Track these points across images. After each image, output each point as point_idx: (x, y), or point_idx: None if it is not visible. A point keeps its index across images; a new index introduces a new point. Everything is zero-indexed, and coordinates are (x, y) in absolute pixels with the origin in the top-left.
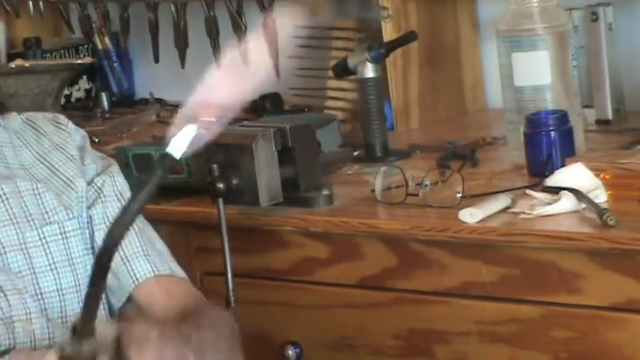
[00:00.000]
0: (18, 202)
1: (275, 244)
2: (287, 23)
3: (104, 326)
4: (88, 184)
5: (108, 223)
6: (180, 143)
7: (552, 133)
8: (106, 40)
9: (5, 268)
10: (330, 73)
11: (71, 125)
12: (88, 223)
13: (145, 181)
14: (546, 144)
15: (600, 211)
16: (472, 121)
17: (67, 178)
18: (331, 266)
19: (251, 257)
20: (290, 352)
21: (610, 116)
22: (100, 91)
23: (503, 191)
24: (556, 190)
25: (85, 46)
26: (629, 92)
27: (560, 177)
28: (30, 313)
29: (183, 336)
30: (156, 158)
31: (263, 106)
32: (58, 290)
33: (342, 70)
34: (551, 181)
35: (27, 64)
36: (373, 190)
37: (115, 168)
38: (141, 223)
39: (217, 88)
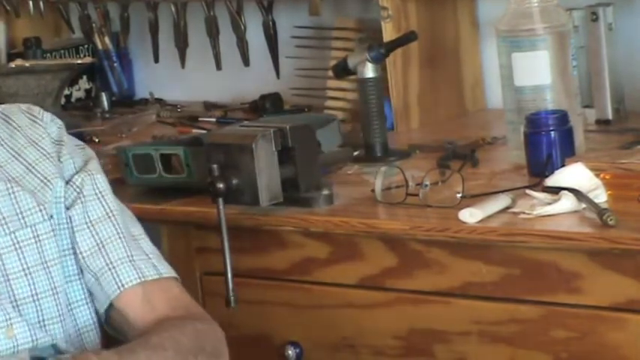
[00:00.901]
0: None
1: (275, 244)
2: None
3: None
4: (67, 182)
5: (89, 224)
6: None
7: (552, 133)
8: (106, 40)
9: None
10: (330, 73)
11: (47, 116)
12: (67, 223)
13: None
14: (546, 144)
15: (600, 211)
16: (472, 121)
17: (44, 177)
18: (331, 266)
19: (251, 257)
20: (290, 352)
21: (610, 116)
22: (100, 91)
23: (503, 191)
24: (556, 190)
25: (85, 46)
26: (629, 92)
27: (560, 177)
28: (10, 319)
29: None
30: None
31: (263, 105)
32: (33, 295)
33: (342, 70)
34: (551, 181)
35: (27, 64)
36: (373, 190)
37: (94, 164)
38: (122, 217)
39: None
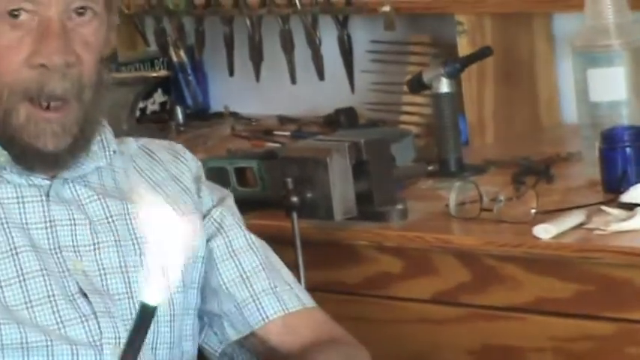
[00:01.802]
0: (124, 224)
1: (349, 259)
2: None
3: None
4: (204, 216)
5: (233, 255)
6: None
7: (628, 149)
8: (181, 53)
9: (103, 291)
10: (405, 88)
11: (188, 155)
12: (202, 257)
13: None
14: (621, 160)
15: None
16: (547, 136)
17: (182, 211)
18: (405, 281)
19: (325, 271)
20: None
21: None
22: (175, 104)
23: (577, 207)
24: (631, 207)
25: (160, 59)
26: None
27: (636, 193)
28: (119, 338)
29: None
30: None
31: (337, 120)
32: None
33: (417, 85)
34: (627, 197)
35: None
36: (447, 205)
37: (230, 201)
38: (263, 249)
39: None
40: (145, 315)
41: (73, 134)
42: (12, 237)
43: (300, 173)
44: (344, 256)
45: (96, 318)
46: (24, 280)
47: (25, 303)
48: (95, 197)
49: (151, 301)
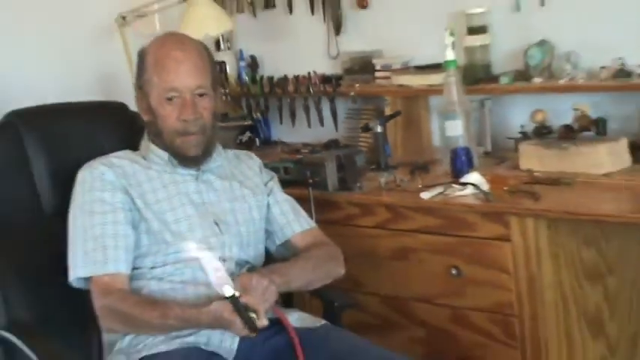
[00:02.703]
0: (230, 190)
1: (335, 208)
2: None
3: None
4: (265, 184)
5: (278, 203)
6: (235, 289)
7: (463, 157)
8: (258, 114)
9: (224, 221)
10: (361, 130)
11: (255, 157)
12: (266, 207)
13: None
14: (459, 162)
15: (485, 193)
16: (426, 152)
17: (254, 183)
18: (360, 218)
19: (324, 214)
20: None
21: (490, 149)
22: (255, 137)
23: (440, 184)
24: (465, 184)
25: (248, 116)
26: (494, 137)
27: (467, 178)
28: (231, 244)
29: (270, 279)
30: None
31: (330, 145)
32: (247, 233)
33: (366, 128)
34: (462, 180)
35: (222, 124)
36: (380, 183)
37: (275, 178)
38: (291, 201)
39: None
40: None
41: (201, 149)
42: (181, 198)
43: (312, 169)
44: (332, 207)
45: (222, 233)
46: (188, 217)
47: (189, 230)
48: (217, 178)
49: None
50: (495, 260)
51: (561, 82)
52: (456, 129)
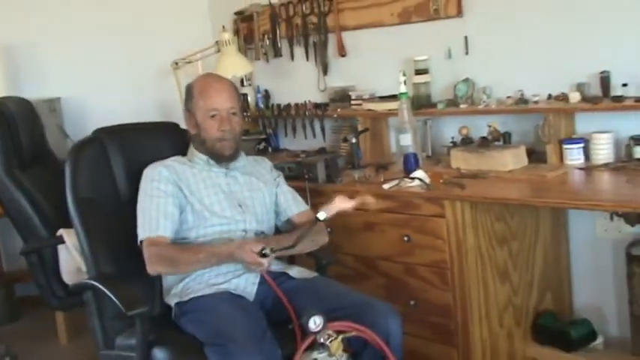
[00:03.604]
0: (251, 184)
1: (322, 196)
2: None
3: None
4: (274, 179)
5: (283, 193)
6: (327, 213)
7: (412, 158)
8: (269, 130)
9: (245, 205)
10: (341, 141)
11: (267, 160)
12: (275, 195)
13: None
14: (409, 163)
15: (427, 184)
16: (386, 156)
17: (266, 179)
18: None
19: (316, 199)
20: None
21: (430, 154)
22: (268, 146)
23: (396, 178)
24: (413, 179)
25: (263, 132)
26: (434, 145)
27: (415, 174)
28: (252, 223)
29: (274, 241)
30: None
31: (320, 151)
32: (261, 213)
33: (345, 140)
34: (412, 175)
35: (244, 137)
36: (355, 178)
37: (282, 175)
38: (292, 191)
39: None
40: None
41: (233, 150)
42: (215, 188)
43: (308, 168)
44: (322, 195)
45: (244, 212)
46: (219, 202)
47: (221, 210)
48: (240, 175)
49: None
50: (434, 231)
51: (480, 107)
52: (407, 140)
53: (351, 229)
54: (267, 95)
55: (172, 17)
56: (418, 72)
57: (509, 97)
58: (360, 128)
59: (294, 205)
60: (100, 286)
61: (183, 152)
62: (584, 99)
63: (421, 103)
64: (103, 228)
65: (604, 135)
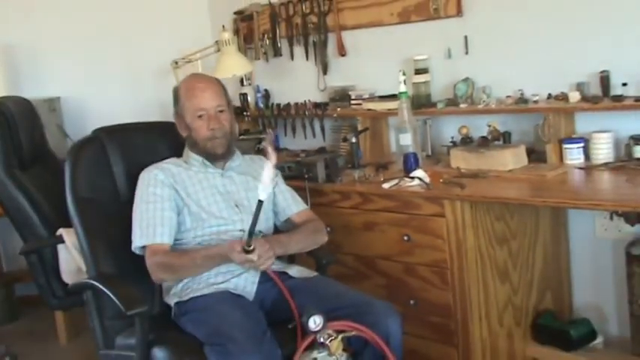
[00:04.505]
0: (247, 183)
1: (321, 195)
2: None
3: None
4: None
5: (282, 192)
6: (264, 190)
7: (412, 157)
8: (270, 129)
9: (241, 204)
10: (341, 140)
11: (264, 158)
12: (273, 194)
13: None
14: (409, 162)
15: (427, 184)
16: (386, 156)
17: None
18: (340, 201)
19: (316, 198)
20: None
21: (430, 153)
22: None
23: (396, 178)
24: (413, 178)
25: (263, 131)
26: (434, 144)
27: (415, 173)
28: (247, 221)
29: (271, 245)
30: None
31: (320, 150)
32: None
33: (345, 140)
34: (411, 174)
35: (243, 137)
36: (355, 177)
37: (280, 174)
38: (291, 190)
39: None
40: (259, 204)
41: (225, 148)
42: (211, 189)
43: (307, 167)
44: (321, 194)
45: (240, 212)
46: (216, 203)
47: (218, 210)
48: (236, 174)
49: (261, 198)
50: (434, 230)
51: (479, 106)
52: (407, 139)
53: (351, 229)
54: (266, 95)
55: (172, 17)
56: (418, 71)
57: (509, 96)
58: (359, 128)
59: (293, 205)
60: (100, 286)
61: (179, 153)
62: (584, 98)
63: (421, 103)
64: (103, 227)
65: (604, 134)
